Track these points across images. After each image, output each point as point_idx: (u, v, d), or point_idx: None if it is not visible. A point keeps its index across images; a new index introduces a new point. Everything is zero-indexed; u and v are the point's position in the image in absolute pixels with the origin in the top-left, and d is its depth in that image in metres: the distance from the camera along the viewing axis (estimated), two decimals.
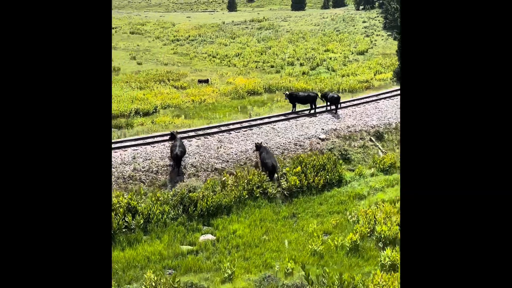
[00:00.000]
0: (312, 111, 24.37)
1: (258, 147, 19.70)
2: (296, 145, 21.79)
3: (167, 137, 20.46)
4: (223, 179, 18.49)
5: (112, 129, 24.31)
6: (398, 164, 20.53)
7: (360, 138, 22.55)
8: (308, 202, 18.33)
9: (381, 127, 23.56)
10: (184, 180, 18.65)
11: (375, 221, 15.29)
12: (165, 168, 19.03)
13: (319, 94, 25.75)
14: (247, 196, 18.09)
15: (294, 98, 24.89)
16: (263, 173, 18.33)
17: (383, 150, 21.83)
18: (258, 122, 23.17)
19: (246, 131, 21.95)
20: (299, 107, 25.62)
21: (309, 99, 24.48)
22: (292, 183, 18.71)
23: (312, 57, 49.31)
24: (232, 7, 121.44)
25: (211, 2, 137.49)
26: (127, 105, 28.78)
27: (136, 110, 28.35)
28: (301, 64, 47.34)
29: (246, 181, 17.97)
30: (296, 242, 14.66)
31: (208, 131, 21.87)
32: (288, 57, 50.61)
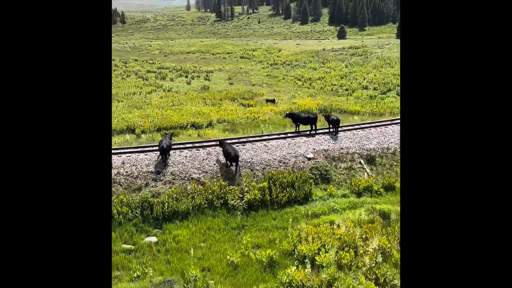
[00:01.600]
0: (313, 132, 25.08)
1: (221, 143, 20.93)
2: (280, 162, 22.16)
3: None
4: (189, 187, 19.67)
5: (140, 136, 27.58)
6: (375, 188, 21.25)
7: (350, 160, 22.49)
8: (263, 216, 18.73)
9: (377, 150, 23.44)
10: (157, 186, 20.15)
11: (300, 240, 16.00)
12: (145, 174, 20.57)
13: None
14: (206, 205, 19.10)
15: (295, 118, 25.56)
16: (229, 164, 20.09)
17: (369, 173, 21.90)
18: (257, 138, 24.53)
19: (238, 146, 23.27)
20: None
21: (309, 120, 25.09)
22: (253, 196, 19.28)
23: (388, 82, 50.49)
24: (341, 35, 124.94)
25: (325, 31, 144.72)
26: (187, 118, 31.55)
27: (193, 123, 30.91)
28: (374, 89, 48.74)
29: (209, 191, 19.10)
30: (223, 253, 15.56)
31: (205, 144, 23.56)
32: (366, 82, 52.07)
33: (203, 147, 22.54)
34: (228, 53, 79.80)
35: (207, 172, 21.40)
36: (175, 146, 22.39)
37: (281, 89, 48.44)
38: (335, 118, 24.77)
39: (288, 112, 25.85)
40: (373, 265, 13.27)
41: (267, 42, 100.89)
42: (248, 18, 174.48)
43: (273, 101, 39.86)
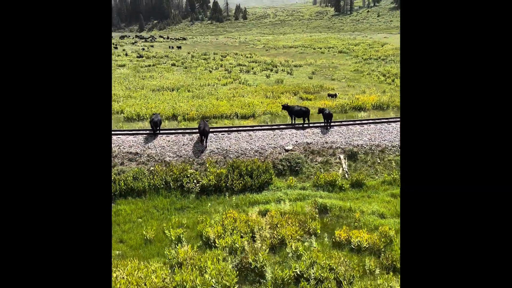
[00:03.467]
0: (305, 125, 24.96)
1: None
2: (256, 152, 22.01)
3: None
4: (151, 168, 20.48)
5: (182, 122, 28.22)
6: (339, 183, 20.56)
7: (330, 155, 21.86)
8: (213, 201, 19.13)
9: (365, 147, 22.69)
10: (130, 165, 21.34)
11: (215, 223, 16.95)
12: (124, 154, 22.20)
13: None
14: (162, 186, 19.84)
15: (290, 111, 25.43)
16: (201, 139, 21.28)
17: (345, 169, 21.20)
18: (245, 128, 24.34)
19: (223, 134, 23.77)
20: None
21: (301, 112, 24.78)
22: (207, 181, 19.63)
23: None
24: None
25: None
26: (234, 109, 32.19)
27: (236, 113, 31.68)
28: None
29: (170, 173, 19.93)
30: (148, 230, 16.77)
31: (191, 131, 24.21)
32: None
33: (189, 133, 23.35)
34: (329, 47, 78.86)
35: (181, 157, 22.13)
36: (168, 132, 23.70)
37: (356, 85, 48.12)
38: (328, 112, 24.58)
39: (283, 105, 26.13)
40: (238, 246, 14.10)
41: (376, 37, 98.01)
42: (368, 11, 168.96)
43: (334, 95, 39.76)
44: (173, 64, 59.11)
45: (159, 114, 24.57)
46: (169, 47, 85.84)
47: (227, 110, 30.53)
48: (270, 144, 23.63)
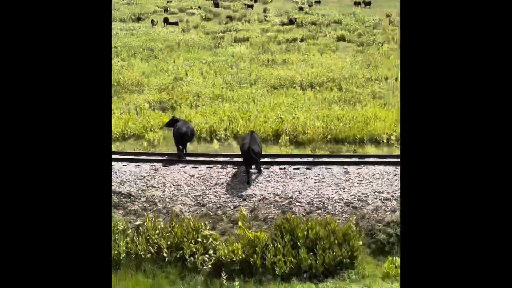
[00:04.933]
0: None
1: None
2: (347, 205, 15.61)
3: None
4: (139, 223, 14.52)
5: None
6: None
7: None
8: None
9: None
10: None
11: None
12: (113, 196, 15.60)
13: None
14: (149, 255, 13.69)
15: None
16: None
17: None
18: (352, 161, 18.01)
19: (298, 168, 17.68)
20: None
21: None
22: (227, 253, 13.36)
23: None
24: None
25: None
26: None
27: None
28: None
29: (166, 234, 13.98)
30: None
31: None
32: None
33: (232, 163, 17.72)
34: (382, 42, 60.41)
35: (204, 205, 15.50)
36: (197, 158, 18.33)
37: None
38: None
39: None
40: None
41: None
42: None
43: None
44: (341, 38, 43.18)
45: (189, 122, 19.82)
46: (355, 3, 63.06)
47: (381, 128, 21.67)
48: (381, 191, 15.61)
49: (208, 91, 27.56)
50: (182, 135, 17.27)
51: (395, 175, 16.04)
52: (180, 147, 17.46)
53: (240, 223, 13.78)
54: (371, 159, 17.07)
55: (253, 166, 16.03)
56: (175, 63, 34.98)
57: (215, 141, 20.90)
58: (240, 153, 16.54)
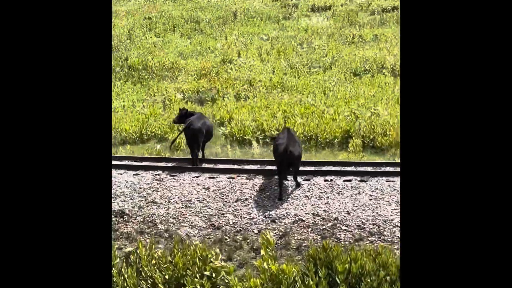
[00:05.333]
0: None
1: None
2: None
3: None
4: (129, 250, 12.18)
5: None
6: None
7: None
8: None
9: None
10: None
11: None
12: None
13: None
14: None
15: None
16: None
17: None
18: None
19: (345, 182, 14.43)
20: None
21: None
22: None
23: None
24: None
25: None
26: None
27: None
28: None
29: (163, 264, 11.67)
30: None
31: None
32: None
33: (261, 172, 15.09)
34: None
35: (219, 228, 12.97)
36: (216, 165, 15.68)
37: None
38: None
39: None
40: None
41: None
42: None
43: None
44: None
45: (204, 116, 16.68)
46: None
47: None
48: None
49: (264, 77, 23.79)
50: (196, 132, 14.86)
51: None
52: (196, 150, 15.26)
53: (263, 252, 11.66)
54: None
55: (289, 177, 13.91)
56: (226, 40, 30.18)
57: (254, 143, 18.07)
58: (273, 158, 14.55)
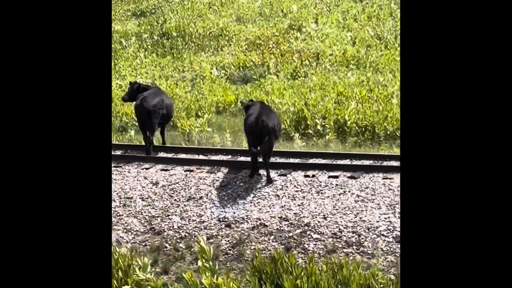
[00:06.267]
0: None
1: None
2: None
3: None
4: None
5: None
6: None
7: None
8: None
9: None
10: None
11: None
12: None
13: None
14: None
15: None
16: None
17: None
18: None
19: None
20: None
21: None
22: None
23: None
24: None
25: None
26: None
27: None
28: None
29: None
30: None
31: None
32: None
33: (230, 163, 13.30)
34: None
35: (159, 234, 11.03)
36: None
37: None
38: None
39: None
40: None
41: None
42: None
43: None
44: None
45: (162, 91, 14.53)
46: None
47: None
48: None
49: (338, 50, 20.65)
50: (149, 112, 13.26)
51: None
52: (148, 133, 14.06)
53: (200, 264, 10.26)
54: None
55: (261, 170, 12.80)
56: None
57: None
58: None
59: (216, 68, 19.97)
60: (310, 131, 15.69)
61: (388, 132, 15.64)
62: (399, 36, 22.65)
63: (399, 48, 21.71)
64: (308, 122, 15.95)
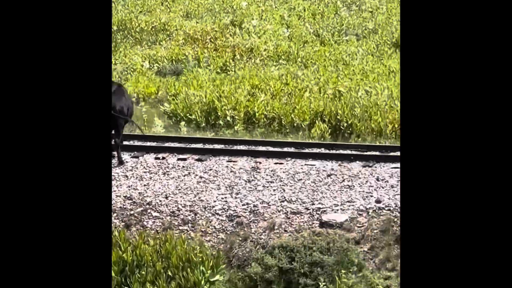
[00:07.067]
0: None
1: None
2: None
3: None
4: None
5: None
6: None
7: None
8: None
9: None
10: None
11: None
12: None
13: None
14: None
15: None
16: None
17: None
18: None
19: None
20: None
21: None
22: None
23: None
24: None
25: None
26: None
27: None
28: None
29: None
30: None
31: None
32: None
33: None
34: None
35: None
36: None
37: None
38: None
39: None
40: None
41: None
42: None
43: None
44: None
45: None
46: None
47: None
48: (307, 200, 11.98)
49: (273, 45, 20.99)
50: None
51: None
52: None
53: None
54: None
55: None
56: None
57: (157, 120, 16.05)
58: None
59: (149, 61, 20.00)
60: (221, 122, 15.90)
61: (295, 124, 15.73)
62: (336, 33, 22.30)
63: (334, 45, 21.57)
64: (219, 113, 16.02)
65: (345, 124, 15.69)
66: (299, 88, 17.60)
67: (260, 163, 13.95)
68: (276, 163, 14.02)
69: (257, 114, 16.15)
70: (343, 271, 10.10)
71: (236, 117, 16.05)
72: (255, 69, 19.51)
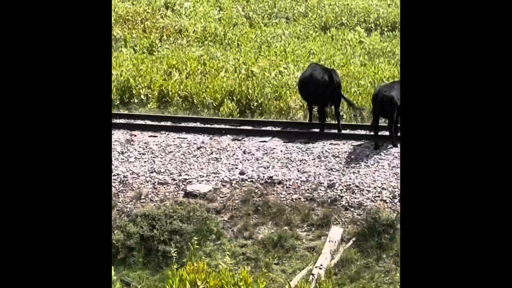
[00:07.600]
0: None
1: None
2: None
3: None
4: None
5: None
6: None
7: None
8: None
9: None
10: None
11: None
12: None
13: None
14: None
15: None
16: None
17: None
18: None
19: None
20: None
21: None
22: None
23: None
24: None
25: None
26: None
27: None
28: None
29: None
30: None
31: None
32: None
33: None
34: None
35: None
36: None
37: None
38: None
39: None
40: None
41: None
42: None
43: None
44: None
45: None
46: None
47: None
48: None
49: (202, 27, 20.96)
50: None
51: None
52: None
53: None
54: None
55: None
56: None
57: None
58: None
59: None
60: (135, 100, 15.99)
61: (207, 103, 15.73)
62: (267, 16, 22.11)
63: (264, 27, 21.45)
64: (133, 92, 16.12)
65: (255, 104, 15.72)
66: (215, 68, 17.59)
67: (135, 135, 14.20)
68: (150, 136, 14.06)
69: (170, 93, 16.09)
70: (198, 238, 10.19)
71: (150, 95, 15.94)
72: (179, 50, 19.25)
